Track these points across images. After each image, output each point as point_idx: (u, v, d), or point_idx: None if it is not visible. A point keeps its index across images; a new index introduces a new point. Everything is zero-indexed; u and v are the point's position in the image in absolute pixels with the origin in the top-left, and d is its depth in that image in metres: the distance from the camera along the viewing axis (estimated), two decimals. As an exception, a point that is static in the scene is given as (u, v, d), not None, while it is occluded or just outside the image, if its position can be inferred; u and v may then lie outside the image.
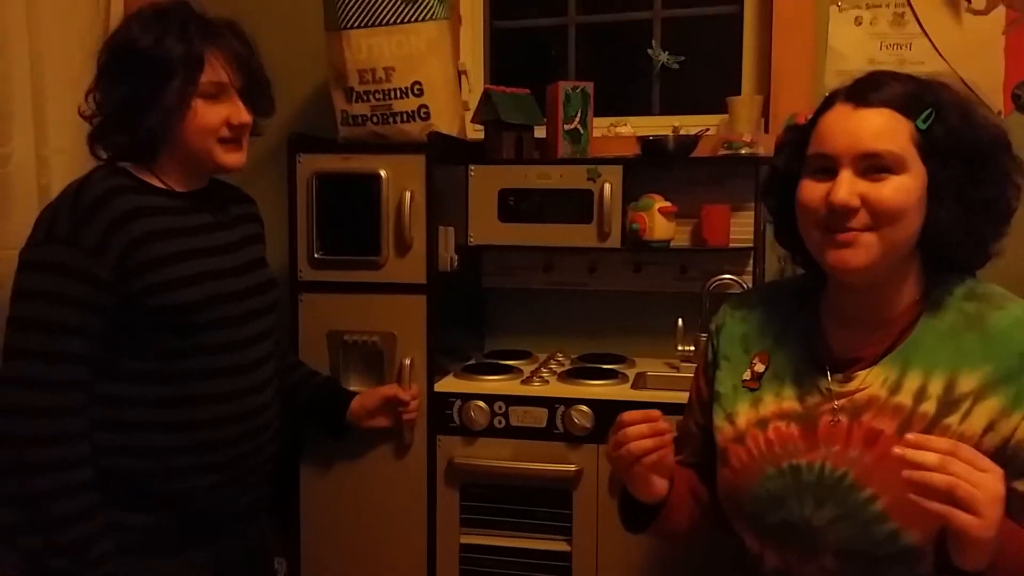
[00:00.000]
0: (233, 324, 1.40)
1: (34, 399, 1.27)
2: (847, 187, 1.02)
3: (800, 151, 1.12)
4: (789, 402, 1.13)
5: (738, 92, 2.30)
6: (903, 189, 1.02)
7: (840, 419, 1.07)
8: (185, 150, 1.39)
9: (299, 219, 2.02)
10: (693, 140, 2.10)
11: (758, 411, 1.15)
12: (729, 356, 1.23)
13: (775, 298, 1.25)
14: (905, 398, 1.04)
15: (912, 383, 1.04)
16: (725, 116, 2.20)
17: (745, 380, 1.18)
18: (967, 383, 1.01)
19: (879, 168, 1.02)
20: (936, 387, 1.02)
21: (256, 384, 1.45)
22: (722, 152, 2.12)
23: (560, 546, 1.89)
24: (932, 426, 1.01)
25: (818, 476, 1.07)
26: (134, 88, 1.34)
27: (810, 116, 1.14)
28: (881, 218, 1.02)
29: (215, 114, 1.38)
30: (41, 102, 1.91)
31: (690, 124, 2.24)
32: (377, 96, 2.04)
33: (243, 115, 1.42)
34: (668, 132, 2.14)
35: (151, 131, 1.35)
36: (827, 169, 1.05)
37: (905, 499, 0.99)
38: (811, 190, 1.07)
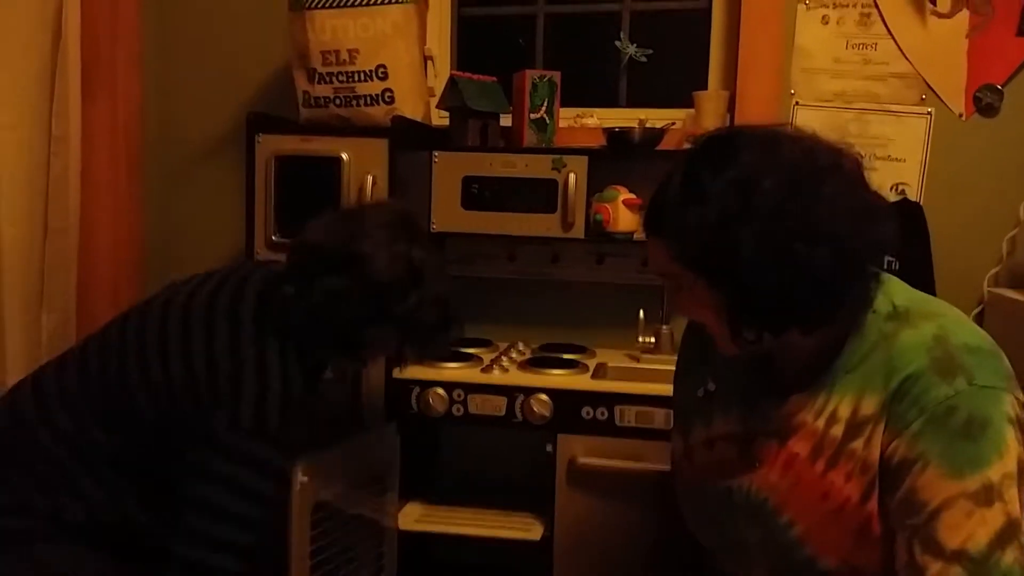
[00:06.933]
0: None
1: None
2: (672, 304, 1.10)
3: None
4: (735, 423, 1.11)
5: (704, 87, 2.30)
6: (689, 300, 1.02)
7: (772, 441, 1.06)
8: None
9: (257, 201, 1.98)
10: (659, 133, 2.10)
11: (708, 430, 1.14)
12: (688, 374, 1.23)
13: None
14: (821, 422, 1.02)
15: (829, 407, 1.01)
16: (691, 110, 2.20)
17: (699, 398, 1.17)
18: (869, 406, 0.98)
19: (673, 286, 1.03)
20: (845, 410, 1.00)
21: None
22: (687, 146, 2.10)
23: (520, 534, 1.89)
24: (839, 451, 0.99)
25: (745, 499, 1.07)
26: None
27: None
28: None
29: None
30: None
31: (656, 117, 2.23)
32: (340, 78, 2.00)
33: None
34: (634, 124, 2.13)
35: None
36: None
37: (817, 526, 0.99)
38: None
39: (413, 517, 1.94)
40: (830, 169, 0.96)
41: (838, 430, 1.00)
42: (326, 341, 1.34)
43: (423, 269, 1.33)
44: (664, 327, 2.12)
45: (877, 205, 0.99)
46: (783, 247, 0.92)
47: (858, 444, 0.98)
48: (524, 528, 1.90)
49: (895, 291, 1.04)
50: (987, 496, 0.90)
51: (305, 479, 1.47)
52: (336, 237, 1.33)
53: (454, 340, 1.51)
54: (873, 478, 0.97)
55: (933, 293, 1.87)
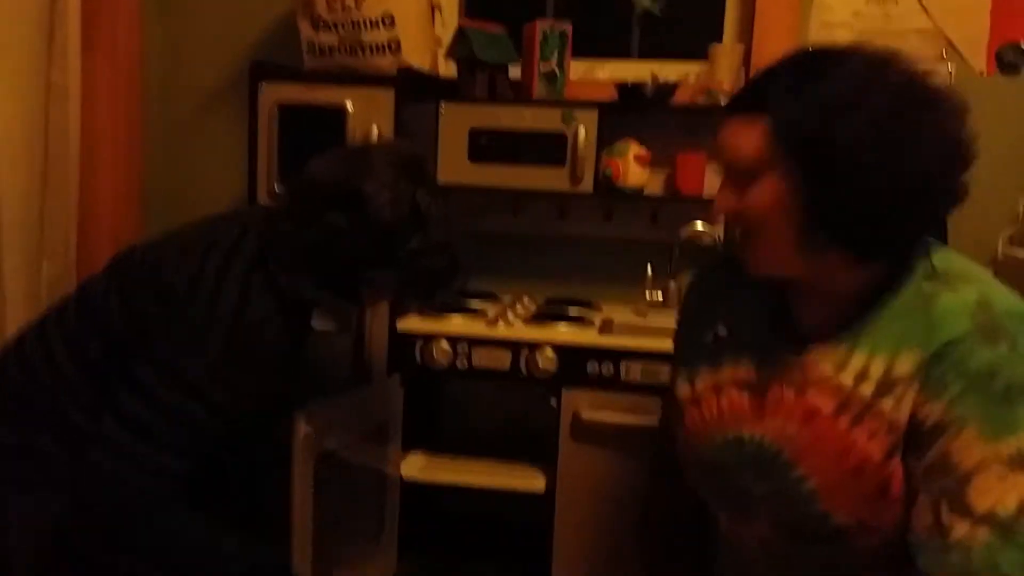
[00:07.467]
0: None
1: None
2: (719, 199, 1.03)
3: None
4: (745, 370, 1.09)
5: (719, 40, 2.25)
6: (764, 192, 0.97)
7: (788, 392, 1.04)
8: None
9: (259, 151, 1.95)
10: (671, 87, 2.05)
11: (716, 376, 1.12)
12: (697, 318, 1.19)
13: None
14: (847, 378, 0.99)
15: (857, 362, 0.99)
16: (705, 64, 2.15)
17: (707, 343, 1.15)
18: (903, 366, 0.96)
19: (744, 175, 0.98)
20: (877, 369, 0.98)
21: None
22: (701, 101, 2.07)
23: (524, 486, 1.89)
24: (867, 409, 0.98)
25: (757, 449, 1.05)
26: None
27: None
28: (750, 226, 1.00)
29: None
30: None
31: (669, 70, 2.18)
32: (346, 26, 1.96)
33: None
34: (646, 78, 2.08)
35: None
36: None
37: (834, 482, 0.98)
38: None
39: (416, 467, 1.94)
40: (941, 97, 0.95)
41: (868, 388, 0.98)
42: (323, 282, 1.30)
43: (428, 213, 1.28)
44: (672, 283, 2.09)
45: (968, 155, 0.97)
46: (884, 150, 0.91)
47: (887, 404, 0.96)
48: (528, 480, 1.89)
49: (933, 252, 1.02)
50: (1021, 461, 0.89)
51: (308, 429, 1.46)
52: (338, 174, 1.28)
53: (458, 290, 1.44)
54: (898, 439, 0.96)
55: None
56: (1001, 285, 1.00)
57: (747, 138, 0.97)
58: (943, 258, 1.01)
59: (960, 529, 0.90)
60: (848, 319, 1.02)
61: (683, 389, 1.16)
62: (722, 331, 1.14)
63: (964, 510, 0.90)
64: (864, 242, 0.97)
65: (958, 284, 0.97)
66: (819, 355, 1.02)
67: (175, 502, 1.25)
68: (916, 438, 0.95)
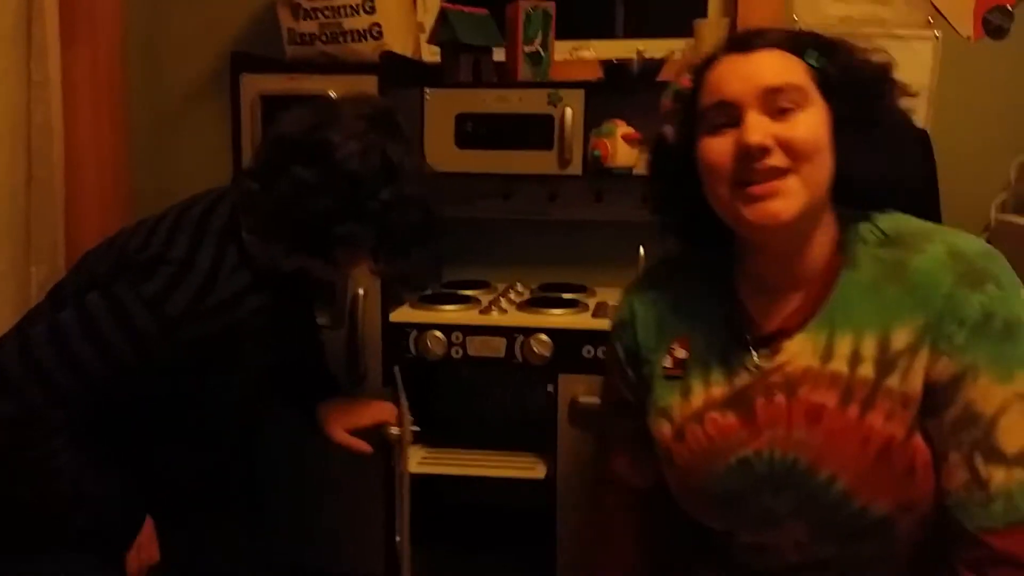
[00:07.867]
0: None
1: None
2: (757, 126, 0.94)
3: (690, 115, 1.03)
4: (719, 388, 1.04)
5: (704, 14, 2.23)
6: (814, 123, 0.95)
7: (776, 396, 1.00)
8: None
9: (243, 142, 1.93)
10: (658, 64, 2.03)
11: (690, 403, 1.06)
12: (650, 347, 1.12)
13: (683, 275, 1.15)
14: (839, 365, 0.97)
15: (843, 347, 0.97)
16: (691, 40, 2.12)
17: (667, 367, 1.09)
18: (900, 339, 0.95)
19: (784, 105, 0.95)
20: (869, 348, 0.96)
21: None
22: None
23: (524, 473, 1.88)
24: (875, 391, 0.95)
25: (768, 466, 1.00)
26: None
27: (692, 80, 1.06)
28: (799, 156, 0.94)
29: None
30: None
31: (655, 47, 2.16)
32: (326, 13, 1.94)
33: None
34: (632, 56, 2.06)
35: None
36: (728, 121, 0.96)
37: (864, 474, 0.95)
38: (715, 146, 0.97)
39: (415, 460, 1.93)
40: None
41: (867, 370, 0.96)
42: (294, 243, 1.27)
43: (399, 166, 1.25)
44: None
45: None
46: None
47: (894, 380, 0.95)
48: (527, 467, 1.89)
49: (878, 218, 1.03)
50: None
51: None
52: (305, 126, 1.25)
53: (437, 263, 1.39)
54: (917, 411, 0.95)
55: (939, 220, 1.83)
56: (956, 231, 1.00)
57: (793, 70, 0.96)
58: (891, 222, 1.01)
59: (998, 477, 0.91)
60: (811, 306, 1.00)
61: (661, 427, 1.09)
62: (680, 353, 1.09)
63: (997, 456, 0.91)
64: (885, 187, 1.01)
65: (920, 243, 0.97)
66: (793, 350, 1.00)
67: (64, 429, 1.20)
68: (934, 399, 0.94)
